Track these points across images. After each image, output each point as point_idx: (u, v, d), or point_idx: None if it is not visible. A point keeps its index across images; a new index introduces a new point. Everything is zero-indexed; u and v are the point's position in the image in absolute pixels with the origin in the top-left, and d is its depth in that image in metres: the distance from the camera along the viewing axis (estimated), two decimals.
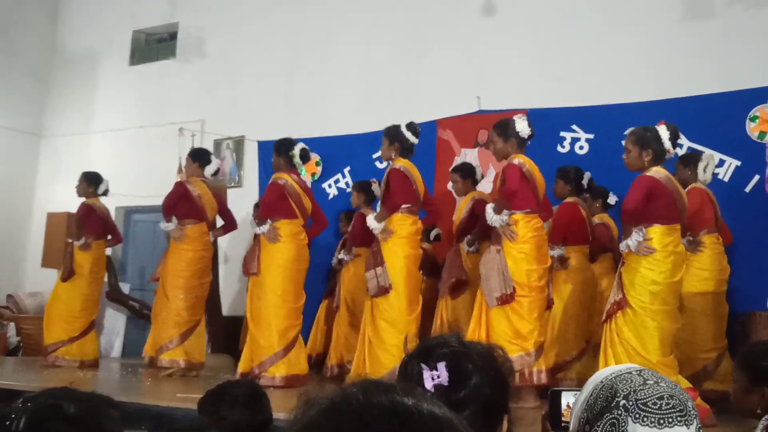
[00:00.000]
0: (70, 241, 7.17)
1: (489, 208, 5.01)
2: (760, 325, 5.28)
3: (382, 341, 5.29)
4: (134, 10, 10.16)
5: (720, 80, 6.18)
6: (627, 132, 4.54)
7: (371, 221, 5.50)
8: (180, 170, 6.88)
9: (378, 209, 5.82)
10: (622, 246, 4.43)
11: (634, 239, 4.33)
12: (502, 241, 4.90)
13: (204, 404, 2.51)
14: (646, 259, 4.35)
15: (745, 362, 2.55)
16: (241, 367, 5.71)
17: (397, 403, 0.79)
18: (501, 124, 5.08)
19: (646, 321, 4.34)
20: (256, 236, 5.96)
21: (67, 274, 6.93)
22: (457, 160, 7.10)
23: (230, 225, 6.75)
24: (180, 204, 6.35)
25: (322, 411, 0.79)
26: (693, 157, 5.48)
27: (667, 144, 4.39)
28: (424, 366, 1.35)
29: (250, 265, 5.77)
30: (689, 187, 5.20)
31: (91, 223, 6.97)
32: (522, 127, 4.98)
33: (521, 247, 4.89)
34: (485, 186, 6.54)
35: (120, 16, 10.25)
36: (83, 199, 7.10)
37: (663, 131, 4.39)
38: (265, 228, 5.71)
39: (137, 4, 10.17)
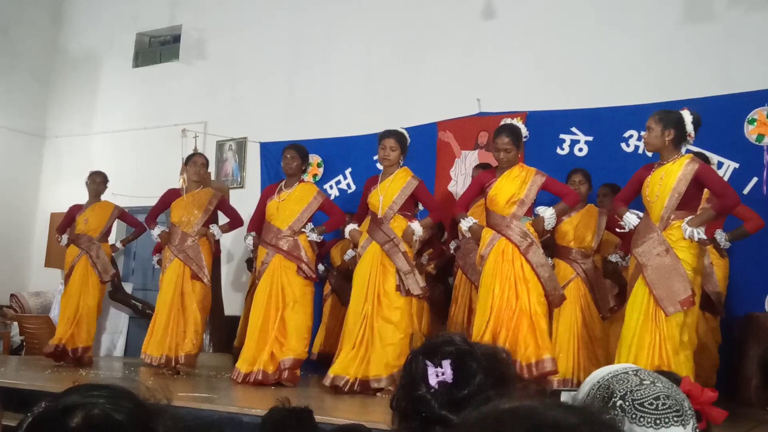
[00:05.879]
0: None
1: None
2: (759, 327, 5.32)
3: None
4: (136, 12, 10.18)
5: (719, 83, 6.20)
6: (651, 115, 4.39)
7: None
8: (182, 172, 6.89)
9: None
10: (688, 234, 4.18)
11: (700, 229, 4.20)
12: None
13: None
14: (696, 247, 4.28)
15: None
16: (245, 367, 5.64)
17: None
18: (514, 131, 4.91)
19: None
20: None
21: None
22: (457, 162, 7.14)
23: (236, 222, 6.67)
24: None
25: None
26: (707, 159, 5.29)
27: (689, 127, 4.28)
28: (428, 363, 1.36)
29: None
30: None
31: None
32: (524, 130, 5.00)
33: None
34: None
35: (121, 18, 10.28)
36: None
37: (686, 115, 4.30)
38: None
39: (139, 6, 10.19)
